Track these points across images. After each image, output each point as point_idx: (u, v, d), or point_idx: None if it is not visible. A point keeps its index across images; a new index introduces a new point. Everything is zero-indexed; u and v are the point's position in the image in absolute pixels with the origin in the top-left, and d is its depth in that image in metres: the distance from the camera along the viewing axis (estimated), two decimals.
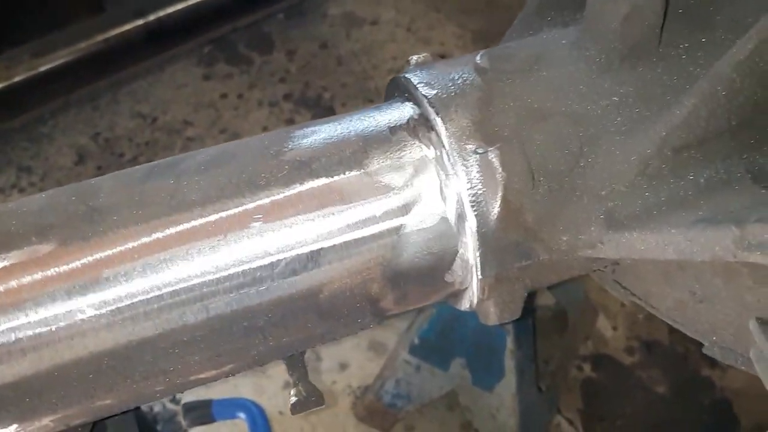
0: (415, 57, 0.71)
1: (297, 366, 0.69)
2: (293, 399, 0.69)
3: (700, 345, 0.73)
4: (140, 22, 2.35)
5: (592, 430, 1.67)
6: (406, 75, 0.67)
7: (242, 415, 1.23)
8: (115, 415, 0.67)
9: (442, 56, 2.50)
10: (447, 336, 1.48)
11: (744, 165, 0.66)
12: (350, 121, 0.65)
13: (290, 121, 2.32)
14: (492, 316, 0.68)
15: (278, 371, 1.78)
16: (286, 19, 2.58)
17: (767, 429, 1.64)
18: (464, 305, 0.70)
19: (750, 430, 1.61)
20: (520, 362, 1.43)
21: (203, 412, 1.22)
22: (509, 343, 1.40)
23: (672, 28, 0.67)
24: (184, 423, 1.25)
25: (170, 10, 2.37)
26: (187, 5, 2.38)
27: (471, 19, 2.58)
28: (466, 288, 0.67)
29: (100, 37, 2.28)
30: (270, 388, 1.75)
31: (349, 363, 1.79)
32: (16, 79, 2.22)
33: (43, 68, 2.26)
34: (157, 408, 1.74)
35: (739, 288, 0.65)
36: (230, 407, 1.24)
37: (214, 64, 2.48)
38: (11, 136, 2.25)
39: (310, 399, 0.68)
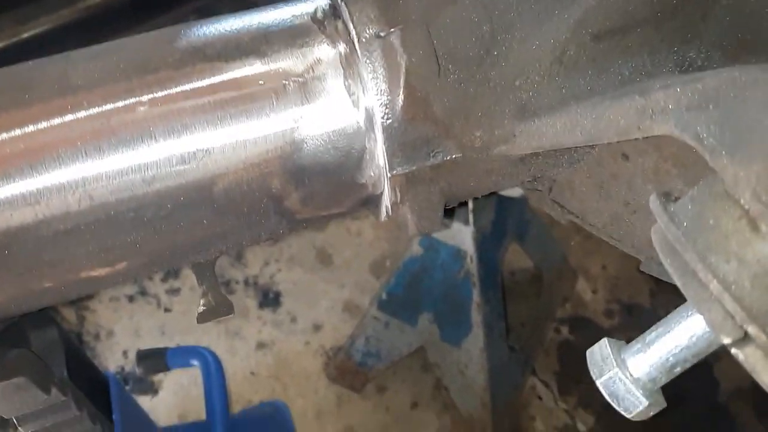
0: None
1: (206, 275, 0.66)
2: (201, 308, 0.66)
3: None
4: None
5: (567, 393, 1.63)
6: None
7: (196, 362, 1.21)
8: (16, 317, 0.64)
9: None
10: (414, 290, 1.45)
11: (673, 59, 0.62)
12: (256, 12, 0.62)
13: None
14: (411, 225, 0.65)
15: (251, 332, 1.76)
16: None
17: (748, 393, 1.60)
18: (382, 214, 0.67)
19: (730, 393, 1.57)
20: (488, 317, 1.40)
21: (157, 360, 1.20)
22: (475, 296, 1.37)
23: None
24: (138, 371, 1.23)
25: None
26: None
27: None
28: (381, 192, 0.64)
29: (83, 5, 2.26)
30: (242, 348, 1.73)
31: (323, 324, 1.76)
32: None
33: (25, 35, 2.24)
34: (128, 368, 1.73)
35: None
36: (184, 355, 1.23)
37: None
38: None
39: (220, 308, 0.66)
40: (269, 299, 1.80)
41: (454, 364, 1.45)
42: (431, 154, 0.61)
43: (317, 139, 0.59)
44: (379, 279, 1.83)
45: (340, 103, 0.59)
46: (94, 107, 0.54)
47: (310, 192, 0.61)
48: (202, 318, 0.66)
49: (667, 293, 1.64)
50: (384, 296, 1.47)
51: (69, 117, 0.54)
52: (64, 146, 0.54)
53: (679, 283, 0.43)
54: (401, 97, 0.57)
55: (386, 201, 0.64)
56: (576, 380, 1.65)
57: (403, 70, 0.56)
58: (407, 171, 0.61)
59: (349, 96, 0.59)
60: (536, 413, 1.60)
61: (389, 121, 0.58)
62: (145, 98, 0.55)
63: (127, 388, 1.59)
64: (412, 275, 1.43)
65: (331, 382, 1.64)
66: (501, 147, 0.61)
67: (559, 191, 0.74)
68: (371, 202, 0.66)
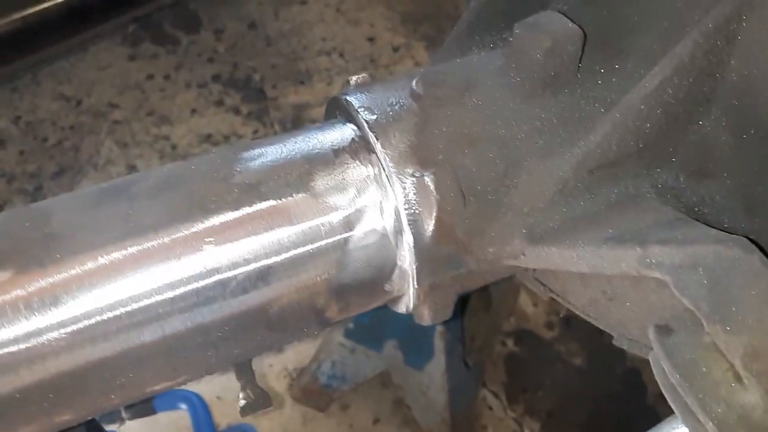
0: (354, 77, 0.75)
1: (245, 371, 0.73)
2: (242, 402, 0.74)
3: None
4: None
5: (515, 402, 1.78)
6: (347, 97, 0.71)
7: (184, 406, 1.26)
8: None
9: (372, 39, 2.53)
10: (381, 320, 1.55)
11: (649, 181, 0.74)
12: (295, 142, 0.69)
13: (219, 103, 2.31)
14: (426, 318, 0.75)
15: None
16: None
17: None
18: (401, 309, 0.76)
19: (657, 395, 1.76)
20: (449, 342, 1.52)
21: (145, 404, 1.24)
22: (438, 325, 1.49)
23: (589, 56, 0.74)
24: (125, 415, 1.27)
25: None
26: None
27: (399, 1, 2.62)
28: (403, 294, 0.73)
29: (17, 15, 2.18)
30: None
31: (284, 346, 1.83)
32: None
33: None
34: None
35: (644, 290, 0.73)
36: (172, 399, 1.27)
37: (139, 43, 2.42)
38: None
39: (258, 401, 0.73)
40: None
41: (417, 385, 1.57)
42: (452, 268, 0.70)
43: (357, 261, 0.67)
44: None
45: (376, 229, 0.67)
46: (164, 248, 0.60)
47: (347, 303, 0.69)
48: (244, 412, 0.73)
49: None
50: (351, 325, 1.56)
51: (142, 257, 0.60)
52: (138, 285, 0.59)
53: (679, 415, 0.55)
54: (432, 227, 0.66)
55: (408, 302, 0.73)
56: (522, 389, 1.81)
57: (435, 207, 0.65)
58: (430, 282, 0.70)
59: (384, 222, 0.67)
60: (488, 423, 1.74)
61: (419, 245, 0.67)
62: (209, 237, 0.61)
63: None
64: (379, 307, 1.52)
65: (296, 402, 1.73)
66: (510, 261, 0.71)
67: (543, 273, 0.85)
68: (393, 301, 0.75)
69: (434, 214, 0.65)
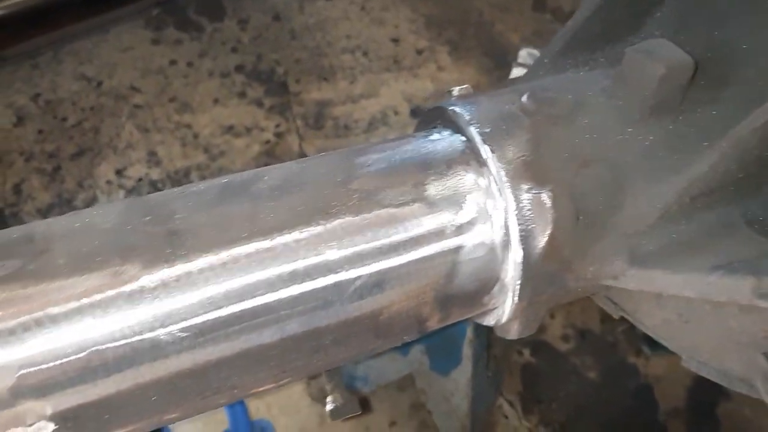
0: (456, 88, 0.76)
1: (334, 375, 0.74)
2: (330, 405, 0.74)
3: (628, 334, 0.84)
4: None
5: (530, 412, 1.80)
6: (456, 109, 0.71)
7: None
8: None
9: (396, 40, 2.53)
10: None
11: (739, 210, 0.76)
12: (405, 151, 0.69)
13: (242, 95, 2.29)
14: (513, 333, 0.75)
15: None
16: None
17: (683, 412, 1.81)
18: (489, 322, 0.77)
19: (668, 412, 1.79)
20: (477, 351, 1.53)
21: None
22: (469, 333, 1.50)
23: (690, 84, 0.75)
24: None
25: None
26: None
27: (424, 4, 2.62)
28: (497, 308, 0.73)
29: None
30: None
31: None
32: None
33: None
34: None
35: (725, 315, 0.75)
36: None
37: (162, 28, 2.39)
38: None
39: (347, 406, 0.73)
40: None
41: (440, 391, 1.57)
42: (553, 285, 0.71)
43: (464, 272, 0.67)
44: None
45: (486, 242, 0.67)
46: (288, 249, 0.60)
47: (448, 313, 0.70)
48: (334, 415, 0.73)
49: (613, 321, 1.83)
50: None
51: (267, 258, 0.60)
52: (262, 285, 0.59)
53: None
54: (543, 243, 0.67)
55: (500, 316, 0.74)
56: (537, 400, 1.82)
57: (551, 224, 0.66)
58: (530, 298, 0.70)
59: (494, 236, 0.67)
60: (503, 431, 1.76)
61: (527, 260, 0.67)
62: (332, 241, 0.61)
63: None
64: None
65: (314, 402, 1.72)
66: (608, 281, 0.72)
67: (617, 292, 0.87)
68: (483, 314, 0.75)
69: (548, 231, 0.66)
